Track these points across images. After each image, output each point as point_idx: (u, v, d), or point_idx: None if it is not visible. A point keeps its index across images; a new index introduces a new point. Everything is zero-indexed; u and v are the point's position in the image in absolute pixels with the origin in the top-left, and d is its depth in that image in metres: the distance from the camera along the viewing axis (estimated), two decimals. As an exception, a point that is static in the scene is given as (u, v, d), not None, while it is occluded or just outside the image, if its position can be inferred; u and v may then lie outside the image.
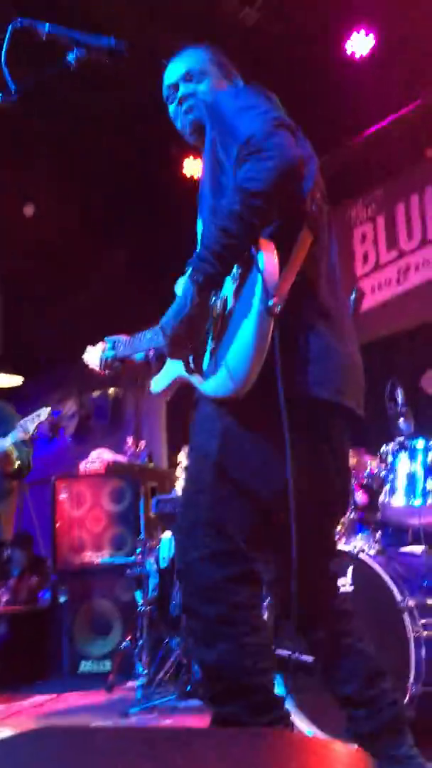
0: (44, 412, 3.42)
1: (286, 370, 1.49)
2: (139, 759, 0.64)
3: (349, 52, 5.02)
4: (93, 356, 2.20)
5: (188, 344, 1.62)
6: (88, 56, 1.80)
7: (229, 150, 1.62)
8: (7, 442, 3.32)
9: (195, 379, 1.68)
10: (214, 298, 1.63)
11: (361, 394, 1.70)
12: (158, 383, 1.89)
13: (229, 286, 1.61)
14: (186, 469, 1.77)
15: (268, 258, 1.52)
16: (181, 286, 1.78)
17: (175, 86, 1.92)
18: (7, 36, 1.72)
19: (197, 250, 1.58)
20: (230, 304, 1.60)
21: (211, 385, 1.59)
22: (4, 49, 1.74)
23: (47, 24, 1.74)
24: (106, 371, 2.09)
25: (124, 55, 1.83)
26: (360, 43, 4.96)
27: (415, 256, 4.64)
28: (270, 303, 1.47)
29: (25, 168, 6.08)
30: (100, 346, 2.19)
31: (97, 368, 2.16)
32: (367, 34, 4.91)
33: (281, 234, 1.57)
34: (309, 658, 2.68)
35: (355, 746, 0.80)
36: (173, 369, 1.81)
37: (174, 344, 1.62)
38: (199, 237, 1.81)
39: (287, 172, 1.51)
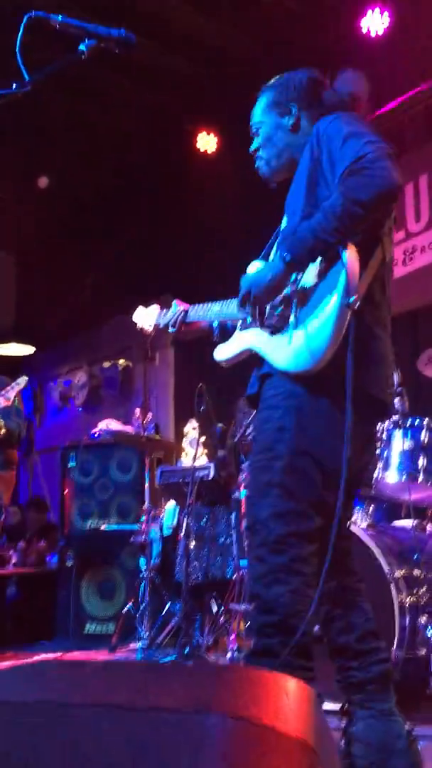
0: (22, 381, 3.59)
1: (353, 364, 1.68)
2: (117, 685, 0.77)
3: (364, 30, 5.04)
4: (145, 317, 2.32)
5: (264, 307, 1.84)
6: (98, 46, 1.89)
7: (336, 168, 1.76)
8: None
9: (270, 354, 1.84)
10: (295, 279, 1.83)
11: (392, 398, 1.98)
12: (223, 352, 2.04)
13: (310, 274, 1.79)
14: (255, 439, 1.88)
15: (352, 257, 1.70)
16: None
17: (254, 131, 2.09)
18: (21, 26, 1.80)
19: (292, 235, 1.77)
20: (312, 290, 1.78)
21: (289, 360, 1.77)
22: (18, 39, 1.82)
23: (60, 15, 1.82)
24: (170, 331, 2.22)
25: (133, 44, 1.91)
26: (375, 22, 4.97)
27: (422, 238, 4.69)
28: (352, 299, 1.66)
29: (38, 142, 6.15)
30: (154, 308, 2.32)
31: (149, 329, 2.31)
32: (382, 13, 4.92)
33: (361, 246, 1.73)
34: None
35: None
36: (243, 340, 1.97)
37: (254, 302, 1.83)
38: (280, 236, 1.99)
39: (388, 194, 1.69)
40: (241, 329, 2.01)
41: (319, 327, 1.71)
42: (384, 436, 3.06)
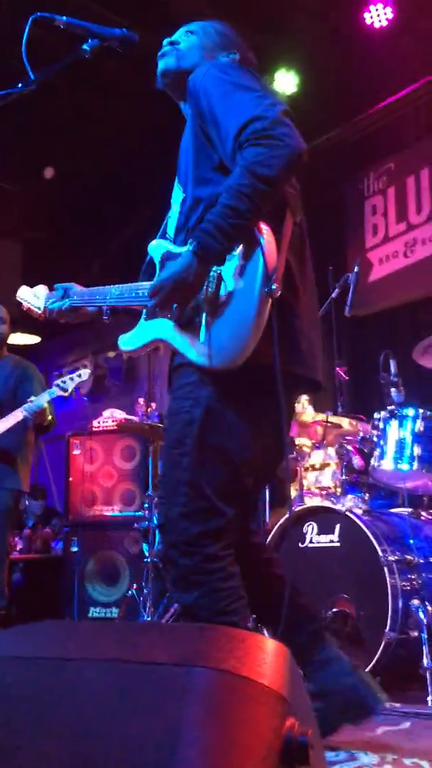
0: (85, 373, 3.62)
1: (270, 347, 1.61)
2: (110, 642, 0.85)
3: (368, 23, 5.06)
4: (30, 297, 2.15)
5: (175, 306, 1.69)
6: (102, 45, 1.95)
7: (221, 124, 1.68)
8: (44, 399, 3.53)
9: (181, 345, 1.72)
10: (211, 272, 1.69)
11: (320, 364, 1.84)
12: (130, 342, 1.90)
13: (229, 264, 1.67)
14: (165, 430, 1.77)
15: (268, 241, 1.61)
16: (157, 249, 1.88)
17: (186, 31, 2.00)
18: (26, 27, 1.87)
19: (202, 224, 1.62)
20: (230, 282, 1.66)
21: (204, 355, 1.65)
22: (24, 40, 1.88)
23: (64, 16, 1.89)
24: (54, 317, 2.07)
25: (136, 43, 1.97)
26: (379, 15, 5.00)
27: (423, 230, 4.74)
28: (273, 287, 1.57)
29: (44, 131, 6.20)
30: (40, 289, 2.15)
31: (37, 311, 2.14)
32: (385, 6, 4.95)
33: (270, 218, 1.65)
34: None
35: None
36: (151, 330, 1.83)
37: (163, 304, 1.68)
38: (178, 202, 1.88)
39: (296, 162, 1.60)
40: (146, 318, 1.85)
41: (239, 320, 1.61)
42: (380, 424, 3.13)
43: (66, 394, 3.54)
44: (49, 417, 3.54)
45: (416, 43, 4.93)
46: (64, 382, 3.58)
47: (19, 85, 1.83)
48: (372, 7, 4.95)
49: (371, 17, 5.00)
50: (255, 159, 1.58)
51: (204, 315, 1.68)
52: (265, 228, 1.63)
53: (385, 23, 4.97)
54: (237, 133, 1.63)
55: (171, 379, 1.83)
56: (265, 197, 1.59)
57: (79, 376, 3.59)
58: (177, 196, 1.90)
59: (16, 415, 3.49)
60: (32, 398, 3.52)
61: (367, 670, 2.64)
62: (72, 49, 1.93)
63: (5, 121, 5.68)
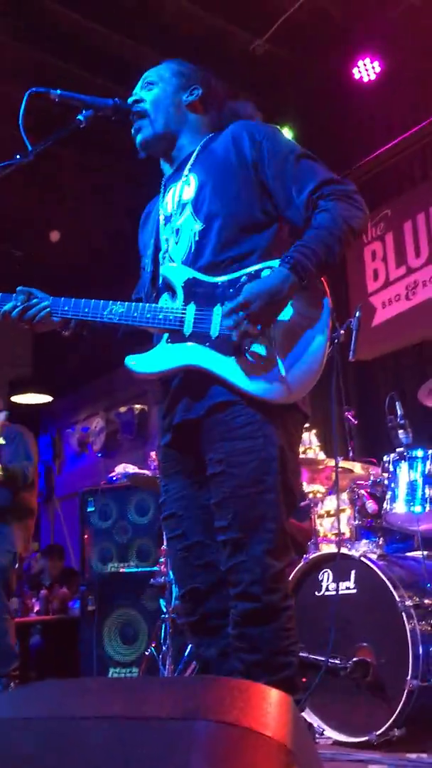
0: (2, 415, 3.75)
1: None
2: (111, 698, 0.86)
3: (356, 77, 5.24)
4: None
5: (263, 325, 1.67)
6: (95, 115, 2.04)
7: (291, 176, 1.80)
8: None
9: (235, 377, 1.70)
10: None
11: None
12: (147, 365, 1.82)
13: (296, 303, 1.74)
14: (228, 472, 1.70)
15: (329, 293, 1.77)
16: (177, 274, 1.83)
17: (146, 83, 2.06)
18: (23, 102, 1.96)
19: (297, 248, 1.69)
20: (292, 315, 1.74)
21: (263, 387, 1.70)
22: (21, 114, 1.97)
23: (58, 90, 1.98)
24: (14, 322, 1.91)
25: (129, 112, 2.06)
26: (366, 69, 5.18)
27: (423, 273, 4.81)
28: (339, 333, 1.74)
29: (51, 197, 6.39)
30: None
31: None
32: (372, 61, 5.12)
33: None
34: (319, 658, 2.86)
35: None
36: (180, 355, 1.78)
37: (255, 318, 1.64)
38: (189, 233, 1.89)
39: (365, 228, 1.83)
40: (169, 342, 1.80)
41: (307, 364, 1.70)
42: (390, 467, 3.12)
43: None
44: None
45: (405, 94, 5.09)
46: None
47: (17, 156, 1.90)
48: (360, 63, 5.12)
49: (359, 72, 5.17)
50: (346, 213, 1.73)
51: (276, 348, 1.72)
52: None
53: (373, 77, 5.14)
54: (319, 185, 1.77)
55: (213, 416, 1.74)
56: (347, 246, 1.75)
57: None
58: (189, 224, 1.89)
59: None
60: None
61: (390, 720, 2.59)
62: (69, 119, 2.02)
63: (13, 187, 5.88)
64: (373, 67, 5.14)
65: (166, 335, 1.81)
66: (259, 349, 1.71)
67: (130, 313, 1.83)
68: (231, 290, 1.76)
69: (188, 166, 1.95)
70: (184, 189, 1.94)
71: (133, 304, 1.86)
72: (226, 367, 1.72)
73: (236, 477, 1.70)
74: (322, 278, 1.77)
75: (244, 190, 1.85)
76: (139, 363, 1.82)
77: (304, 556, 3.14)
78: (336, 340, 1.76)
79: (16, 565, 3.74)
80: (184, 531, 1.85)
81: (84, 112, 2.00)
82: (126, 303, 1.86)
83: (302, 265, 1.67)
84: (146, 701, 0.85)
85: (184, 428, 1.83)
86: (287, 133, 5.43)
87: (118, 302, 1.86)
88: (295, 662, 1.69)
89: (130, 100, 2.02)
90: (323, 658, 2.85)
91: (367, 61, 5.09)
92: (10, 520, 3.74)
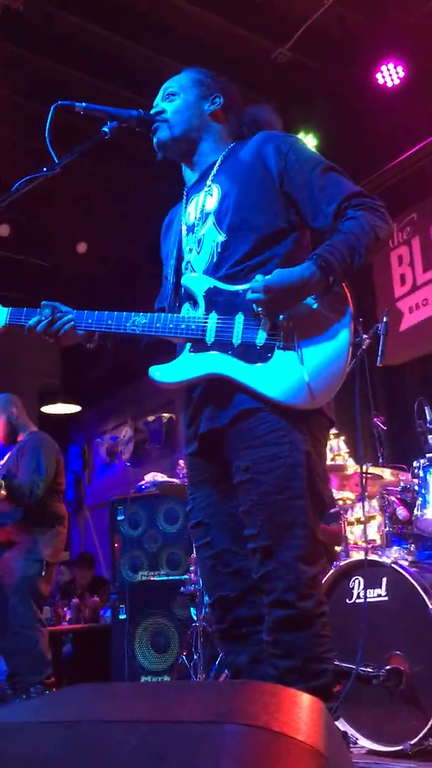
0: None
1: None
2: (142, 703, 0.86)
3: (380, 83, 5.22)
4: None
5: (280, 311, 1.71)
6: (120, 126, 2.06)
7: (318, 188, 1.82)
8: None
9: (259, 387, 1.71)
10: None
11: None
12: (171, 374, 1.83)
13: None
14: (255, 479, 1.70)
15: (351, 301, 1.78)
16: (198, 284, 1.85)
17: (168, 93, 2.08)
18: (49, 115, 1.99)
19: (325, 247, 1.72)
20: (313, 320, 1.75)
21: (286, 393, 1.70)
22: (47, 127, 2.00)
23: (83, 103, 2.01)
24: (39, 335, 1.93)
25: (152, 122, 2.08)
26: (390, 74, 5.16)
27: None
28: (361, 338, 1.74)
29: (79, 209, 6.46)
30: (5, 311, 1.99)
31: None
32: (396, 66, 5.10)
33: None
34: (351, 666, 2.83)
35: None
36: (203, 364, 1.79)
37: (272, 304, 1.68)
38: (211, 244, 1.90)
39: (389, 240, 1.86)
40: (192, 351, 1.82)
41: (329, 364, 1.71)
42: (420, 473, 3.09)
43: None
44: (2, 491, 3.62)
45: (429, 98, 5.06)
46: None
47: (44, 169, 1.93)
48: (383, 68, 5.10)
49: (383, 77, 5.16)
50: (375, 222, 1.75)
51: (299, 354, 1.73)
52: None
53: (397, 81, 5.12)
54: (347, 197, 1.80)
55: (238, 424, 1.75)
56: (373, 254, 1.77)
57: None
58: (211, 234, 1.90)
59: None
60: None
61: (425, 729, 2.55)
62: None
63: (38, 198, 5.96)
64: (397, 72, 5.12)
65: (188, 345, 1.83)
66: (282, 355, 1.72)
67: (152, 324, 1.85)
68: None
69: (211, 176, 1.97)
70: (207, 199, 1.95)
71: (156, 314, 1.87)
72: (250, 375, 1.73)
73: (263, 484, 1.71)
74: (345, 286, 1.77)
75: (267, 201, 1.86)
76: (162, 373, 1.83)
77: (334, 563, 3.12)
78: (361, 347, 1.74)
79: (43, 573, 3.74)
80: (212, 539, 1.85)
81: (109, 123, 2.03)
82: (148, 314, 1.88)
83: (327, 261, 1.69)
84: (176, 705, 0.85)
85: (209, 437, 1.84)
86: (311, 140, 5.43)
87: (141, 313, 1.88)
88: (330, 670, 1.69)
89: (152, 111, 2.05)
90: (354, 666, 2.82)
91: (391, 66, 5.07)
92: (33, 529, 3.76)
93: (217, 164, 1.98)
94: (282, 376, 1.71)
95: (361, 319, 3.80)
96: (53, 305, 1.95)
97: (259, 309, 1.71)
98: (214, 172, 1.97)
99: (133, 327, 1.86)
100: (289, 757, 0.80)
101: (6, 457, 4.06)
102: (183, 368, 1.82)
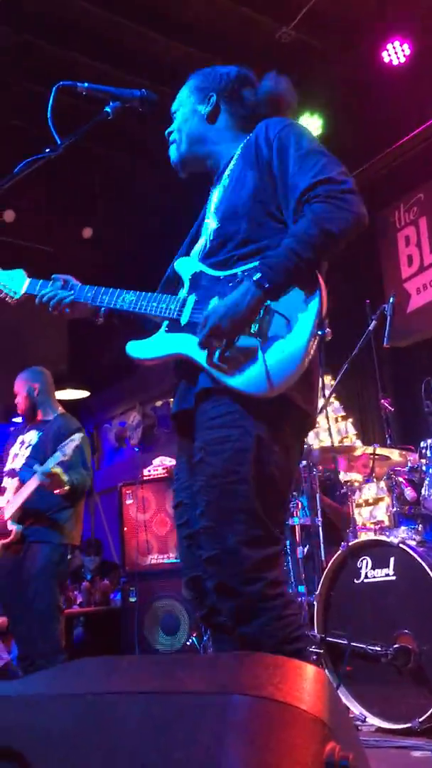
0: (78, 437, 3.62)
1: (302, 386, 1.71)
2: (148, 675, 0.87)
3: (386, 61, 5.16)
4: (5, 278, 2.05)
5: (227, 339, 1.70)
6: (123, 107, 2.05)
7: (292, 175, 1.78)
8: (48, 465, 3.51)
9: (216, 371, 1.73)
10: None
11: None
12: (145, 350, 1.88)
13: (283, 299, 1.72)
14: (204, 460, 1.71)
15: (323, 289, 1.72)
16: (186, 266, 1.89)
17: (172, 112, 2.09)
18: (51, 96, 1.98)
19: (266, 261, 1.70)
20: (282, 318, 1.72)
21: (248, 381, 1.69)
22: (49, 107, 1.99)
23: (86, 83, 1.99)
24: (46, 306, 1.99)
25: (155, 103, 2.07)
26: (396, 52, 5.10)
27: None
28: (325, 331, 1.69)
29: (85, 195, 6.45)
30: (18, 272, 2.07)
31: (12, 296, 2.06)
32: (402, 44, 5.04)
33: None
34: (360, 645, 2.85)
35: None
36: (174, 343, 1.84)
37: (215, 336, 1.70)
38: (207, 232, 1.94)
39: (357, 227, 1.72)
40: (167, 331, 1.86)
41: (288, 355, 1.68)
42: (428, 453, 3.09)
43: (66, 458, 3.53)
44: (66, 486, 3.52)
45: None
46: (63, 447, 3.58)
47: (47, 150, 1.92)
48: (389, 46, 5.05)
49: (389, 55, 5.10)
50: (324, 215, 1.69)
51: (258, 344, 1.72)
52: (320, 277, 1.74)
53: (403, 60, 5.06)
54: (308, 187, 1.73)
55: (198, 406, 1.78)
56: (326, 251, 1.71)
57: (72, 440, 3.59)
58: (210, 224, 1.94)
59: (32, 484, 3.50)
60: (36, 466, 3.51)
61: (433, 708, 2.57)
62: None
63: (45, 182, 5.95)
64: (403, 50, 5.06)
65: (165, 323, 1.87)
66: (244, 342, 1.72)
67: (138, 302, 1.90)
68: (229, 284, 1.78)
69: (229, 169, 1.97)
70: (218, 193, 1.98)
71: (143, 293, 1.91)
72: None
73: (211, 466, 1.71)
74: (318, 275, 1.73)
75: (257, 189, 1.84)
76: (136, 349, 1.88)
77: (342, 543, 3.13)
78: (321, 335, 1.69)
79: (69, 557, 3.74)
80: (188, 519, 1.85)
81: (111, 103, 2.01)
82: (137, 292, 1.92)
83: (266, 277, 1.67)
84: (181, 677, 0.86)
85: (179, 418, 1.88)
86: (316, 120, 5.38)
87: (132, 291, 1.93)
88: (304, 648, 1.66)
89: (167, 131, 2.07)
90: (364, 645, 2.84)
91: (397, 44, 5.02)
92: (56, 513, 3.73)
93: (234, 159, 1.97)
94: (240, 363, 1.71)
95: (368, 301, 3.79)
96: (64, 278, 2.01)
97: (210, 343, 1.71)
98: (230, 167, 1.97)
99: (121, 303, 1.92)
100: (292, 726, 0.80)
101: (33, 437, 3.94)
102: (155, 346, 1.87)
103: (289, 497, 1.76)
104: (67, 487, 3.49)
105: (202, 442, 1.73)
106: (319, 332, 1.68)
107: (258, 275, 1.67)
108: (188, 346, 1.79)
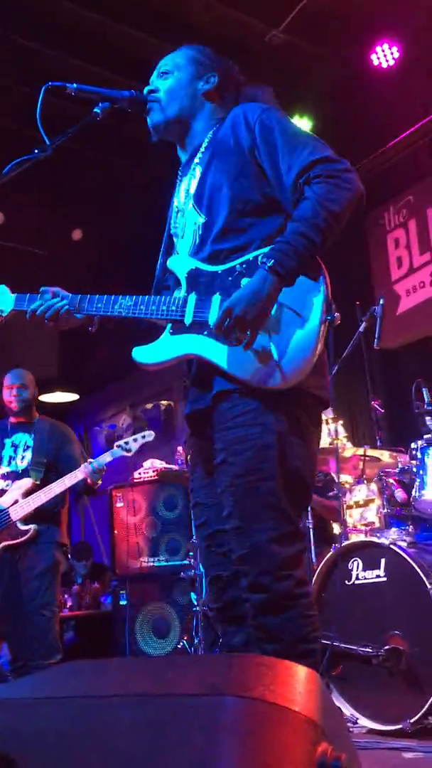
0: (149, 435, 3.63)
1: (316, 374, 1.72)
2: (139, 677, 0.86)
3: (375, 64, 5.17)
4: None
5: (252, 329, 1.65)
6: (112, 107, 2.04)
7: (283, 156, 1.77)
8: (106, 459, 3.55)
9: (233, 366, 1.71)
10: None
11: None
12: (151, 355, 1.84)
13: (287, 290, 1.71)
14: (228, 461, 1.70)
15: (326, 276, 1.72)
16: (181, 265, 1.86)
17: (162, 71, 2.06)
18: (40, 96, 1.97)
19: (276, 246, 1.67)
20: (289, 307, 1.71)
21: (262, 375, 1.68)
22: (38, 108, 1.99)
23: (74, 84, 1.98)
24: (37, 320, 1.93)
25: (145, 102, 2.06)
26: (385, 55, 5.12)
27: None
28: (334, 316, 1.69)
29: (74, 196, 6.42)
30: (2, 288, 2.00)
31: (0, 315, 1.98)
32: (391, 46, 5.06)
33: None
34: (351, 647, 2.85)
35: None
36: (181, 344, 1.81)
37: (241, 327, 1.64)
38: (193, 226, 1.91)
39: (359, 204, 1.72)
40: (172, 333, 1.83)
41: (300, 345, 1.67)
42: (418, 454, 3.09)
43: (129, 454, 3.55)
44: (100, 481, 3.61)
45: (425, 79, 5.02)
46: (127, 443, 3.59)
47: (35, 151, 1.91)
48: (378, 49, 5.06)
49: (378, 58, 5.12)
50: (328, 196, 1.68)
51: (269, 337, 1.70)
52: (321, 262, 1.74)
53: (392, 62, 5.08)
54: (306, 167, 1.72)
55: (216, 406, 1.76)
56: (334, 232, 1.69)
57: (143, 437, 3.58)
58: (192, 217, 1.92)
59: (76, 475, 3.54)
60: (91, 460, 3.56)
61: (425, 708, 2.57)
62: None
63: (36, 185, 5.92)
64: (392, 53, 5.08)
65: (169, 326, 1.84)
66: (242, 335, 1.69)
67: (137, 306, 1.86)
68: (229, 278, 1.77)
69: (197, 157, 1.96)
70: (191, 181, 1.95)
71: (141, 297, 1.87)
72: (222, 355, 1.73)
73: (234, 466, 1.71)
74: (319, 261, 1.73)
75: (242, 176, 1.83)
76: (142, 354, 1.85)
77: (333, 545, 3.13)
78: (331, 319, 1.68)
79: (69, 556, 3.80)
80: (206, 519, 1.86)
81: (100, 104, 2.01)
82: (134, 297, 1.88)
83: (281, 263, 1.65)
84: (174, 679, 0.86)
85: (194, 418, 1.86)
86: (306, 123, 5.39)
87: (127, 296, 1.88)
88: (317, 649, 1.68)
89: (145, 90, 2.02)
90: (355, 647, 2.84)
91: (386, 46, 5.03)
92: (60, 515, 3.78)
93: (204, 144, 1.96)
94: (252, 356, 1.70)
95: (357, 303, 3.80)
96: (53, 290, 1.96)
97: (235, 336, 1.67)
98: (200, 152, 1.96)
99: (119, 310, 1.87)
100: (284, 727, 0.80)
101: (26, 438, 3.89)
102: (162, 349, 1.83)
103: (313, 485, 1.76)
104: (99, 482, 3.56)
105: (222, 444, 1.73)
106: (328, 317, 1.68)
107: (271, 262, 1.65)
108: (198, 345, 1.77)
